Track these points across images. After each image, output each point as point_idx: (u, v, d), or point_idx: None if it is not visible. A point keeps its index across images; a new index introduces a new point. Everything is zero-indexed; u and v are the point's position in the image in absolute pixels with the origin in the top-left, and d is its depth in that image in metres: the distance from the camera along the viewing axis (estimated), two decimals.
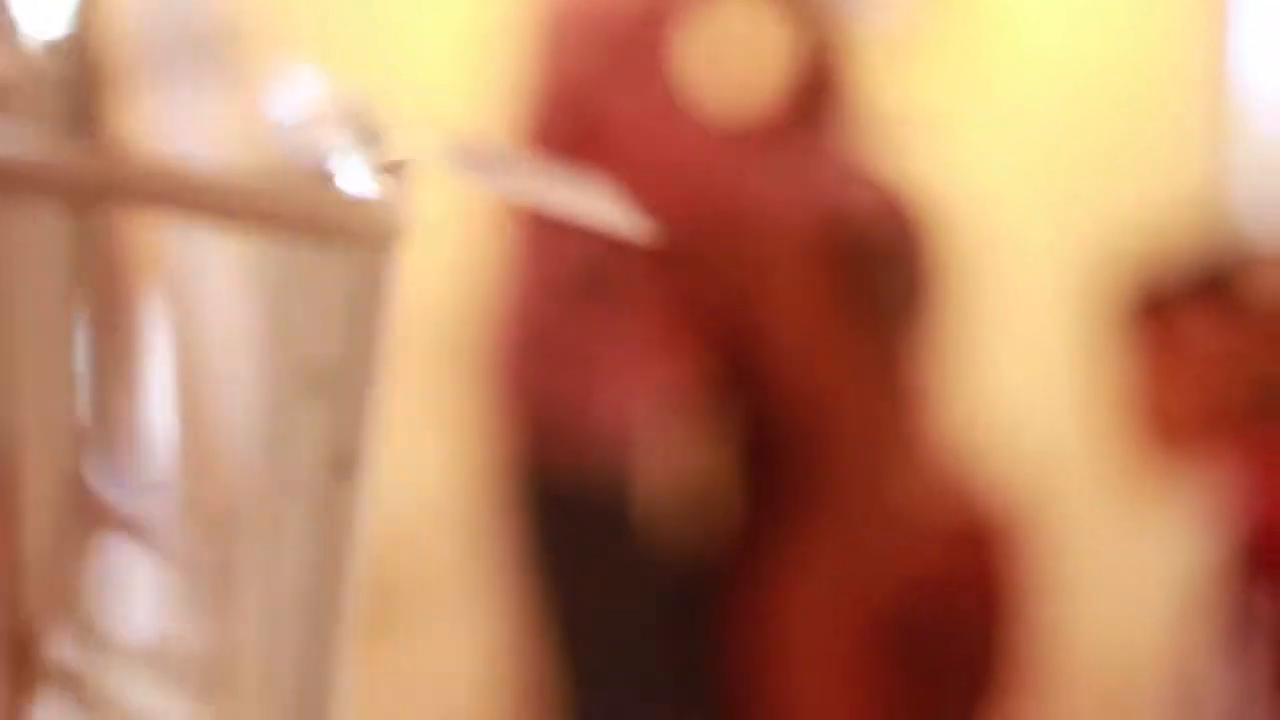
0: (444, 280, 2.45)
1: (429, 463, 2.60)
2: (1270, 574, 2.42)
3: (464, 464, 2.29)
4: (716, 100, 2.17)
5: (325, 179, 0.51)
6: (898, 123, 2.42)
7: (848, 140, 2.28)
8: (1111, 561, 3.25)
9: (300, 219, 0.47)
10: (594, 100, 2.03)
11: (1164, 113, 3.27)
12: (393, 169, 0.52)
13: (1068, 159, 3.22)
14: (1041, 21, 3.20)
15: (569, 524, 2.09)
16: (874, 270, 2.26)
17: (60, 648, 0.53)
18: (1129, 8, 3.26)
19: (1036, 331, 3.20)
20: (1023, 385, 3.20)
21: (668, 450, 2.13)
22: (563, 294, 2.06)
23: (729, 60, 2.22)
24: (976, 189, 2.51)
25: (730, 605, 2.18)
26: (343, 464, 0.52)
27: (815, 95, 2.26)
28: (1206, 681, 2.58)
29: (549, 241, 2.05)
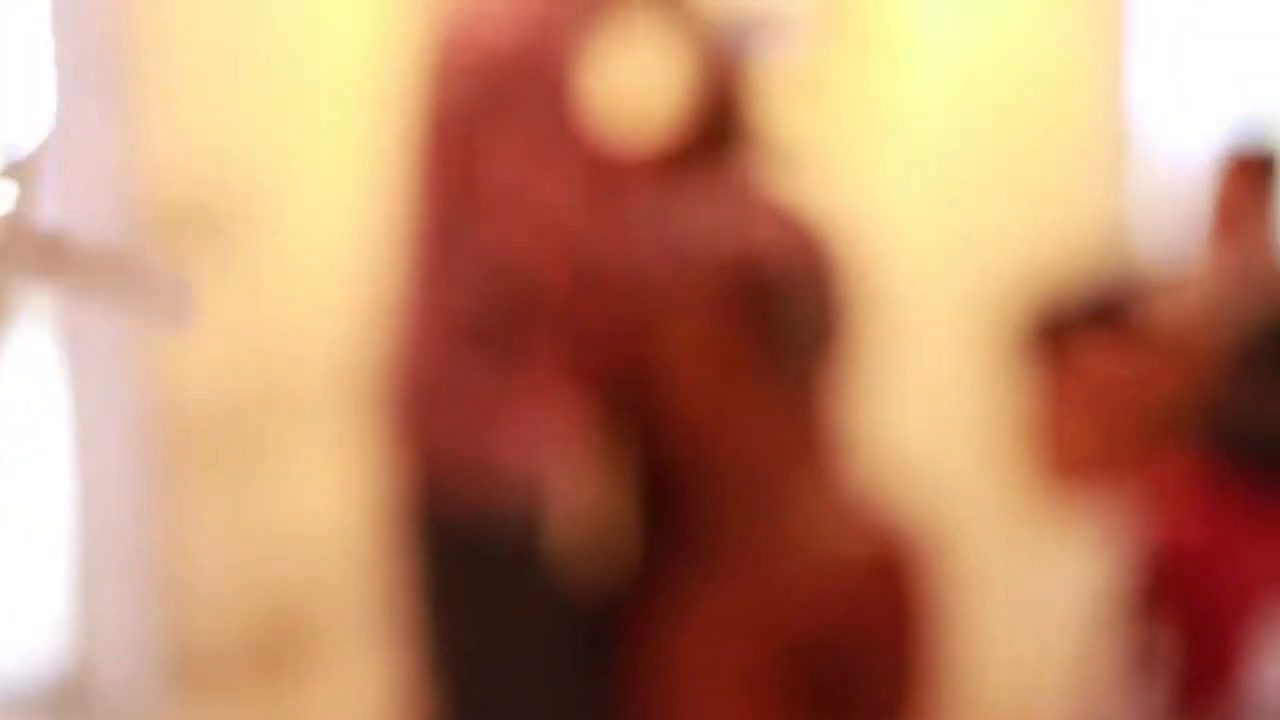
0: (342, 321, 2.43)
1: (328, 502, 2.58)
2: (1169, 601, 2.45)
3: (363, 504, 2.28)
4: (616, 135, 2.17)
5: None
6: (801, 157, 2.43)
7: (751, 174, 2.28)
8: (1015, 591, 3.28)
9: None
10: (478, 137, 2.00)
11: (1062, 145, 3.31)
12: None
13: (967, 191, 3.25)
14: (942, 56, 3.23)
15: (468, 563, 2.08)
16: (780, 305, 2.26)
17: None
18: (1029, 44, 3.31)
19: (939, 362, 3.23)
20: (927, 415, 3.23)
21: (566, 489, 2.13)
22: (459, 336, 2.04)
23: (628, 94, 2.22)
24: (878, 222, 2.54)
25: (633, 642, 2.18)
26: None
27: (717, 129, 2.27)
28: (1109, 708, 2.61)
29: (445, 283, 2.03)
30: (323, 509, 2.60)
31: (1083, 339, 2.73)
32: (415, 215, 2.02)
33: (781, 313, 2.26)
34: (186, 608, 2.70)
